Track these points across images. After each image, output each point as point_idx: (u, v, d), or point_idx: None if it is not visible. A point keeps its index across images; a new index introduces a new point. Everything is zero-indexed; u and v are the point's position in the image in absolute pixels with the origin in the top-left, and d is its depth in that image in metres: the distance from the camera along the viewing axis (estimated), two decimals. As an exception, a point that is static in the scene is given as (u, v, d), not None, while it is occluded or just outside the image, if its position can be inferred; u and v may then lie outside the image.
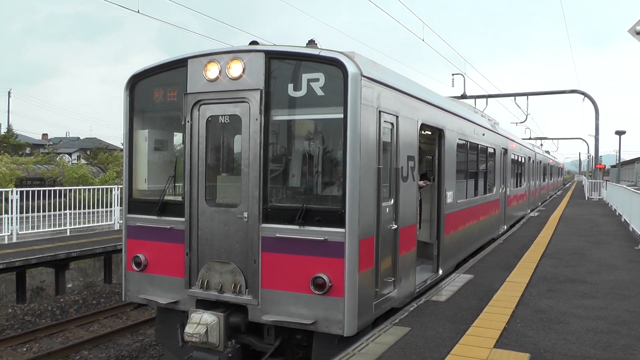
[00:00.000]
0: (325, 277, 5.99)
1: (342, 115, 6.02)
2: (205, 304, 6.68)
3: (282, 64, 6.41)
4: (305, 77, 6.23)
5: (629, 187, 20.82)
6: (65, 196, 18.39)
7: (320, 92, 6.18)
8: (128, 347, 10.60)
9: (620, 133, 45.28)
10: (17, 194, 15.83)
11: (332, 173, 6.61)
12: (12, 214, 15.59)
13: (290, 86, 6.32)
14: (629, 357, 5.51)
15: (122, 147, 7.96)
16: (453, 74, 27.95)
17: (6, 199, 15.87)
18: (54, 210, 17.36)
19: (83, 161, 57.40)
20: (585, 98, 33.38)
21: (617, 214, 21.94)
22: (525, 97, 33.16)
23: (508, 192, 16.93)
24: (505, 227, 16.67)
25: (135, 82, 7.41)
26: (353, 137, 5.98)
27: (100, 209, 19.00)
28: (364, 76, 6.10)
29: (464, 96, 28.86)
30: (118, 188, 19.06)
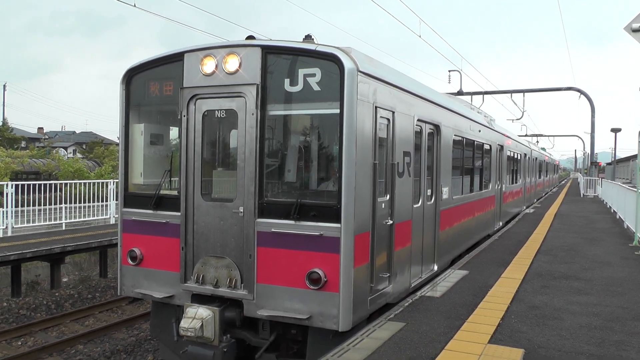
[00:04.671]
0: (320, 272, 6.00)
1: (338, 111, 6.01)
2: (200, 299, 6.69)
3: (278, 59, 6.40)
4: (301, 72, 6.22)
5: (624, 185, 20.89)
6: (60, 190, 18.34)
7: (316, 87, 6.18)
8: (123, 341, 10.60)
9: (615, 131, 45.47)
10: (12, 187, 15.79)
11: (328, 168, 6.61)
12: (7, 207, 15.55)
13: (287, 81, 6.32)
14: (622, 353, 5.55)
15: (118, 141, 7.94)
16: (450, 71, 28.02)
17: (1, 193, 15.82)
18: (50, 204, 17.32)
19: (79, 155, 57.24)
20: (582, 95, 33.51)
21: (612, 211, 22.03)
22: (522, 94, 33.21)
23: (504, 189, 16.98)
24: (501, 224, 16.72)
25: (132, 76, 7.39)
26: (349, 133, 5.98)
27: (95, 203, 18.98)
28: (361, 71, 6.10)
29: (460, 92, 28.92)
30: (114, 182, 19.06)
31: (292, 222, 6.17)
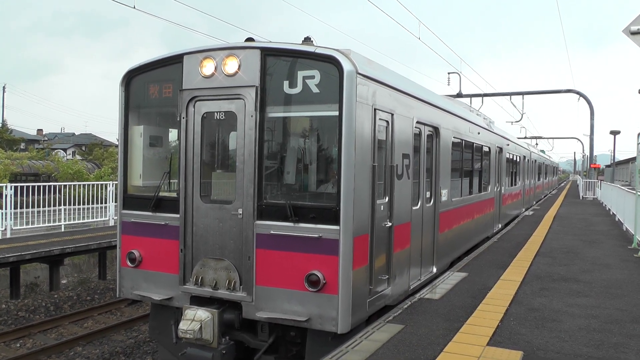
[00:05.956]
0: (319, 274, 6.00)
1: (337, 113, 6.02)
2: (199, 301, 6.68)
3: (277, 61, 6.40)
4: (300, 74, 6.23)
5: (623, 187, 20.90)
6: (60, 192, 18.33)
7: (315, 90, 6.19)
8: (122, 343, 10.59)
9: (615, 133, 45.55)
10: (11, 189, 15.78)
11: (327, 170, 6.61)
12: (6, 209, 15.54)
13: (286, 83, 6.32)
14: (621, 355, 5.55)
15: (117, 143, 7.94)
16: (449, 73, 28.01)
17: (0, 194, 15.80)
18: (49, 205, 17.31)
19: (78, 157, 57.18)
20: (581, 98, 33.55)
21: (611, 213, 22.03)
22: (521, 96, 33.25)
23: (503, 191, 16.98)
24: (500, 226, 16.73)
25: (131, 78, 7.40)
26: (348, 135, 5.98)
27: (95, 205, 18.96)
28: (360, 74, 6.10)
29: (459, 95, 28.92)
30: (113, 184, 19.05)
31: (290, 224, 6.17)
